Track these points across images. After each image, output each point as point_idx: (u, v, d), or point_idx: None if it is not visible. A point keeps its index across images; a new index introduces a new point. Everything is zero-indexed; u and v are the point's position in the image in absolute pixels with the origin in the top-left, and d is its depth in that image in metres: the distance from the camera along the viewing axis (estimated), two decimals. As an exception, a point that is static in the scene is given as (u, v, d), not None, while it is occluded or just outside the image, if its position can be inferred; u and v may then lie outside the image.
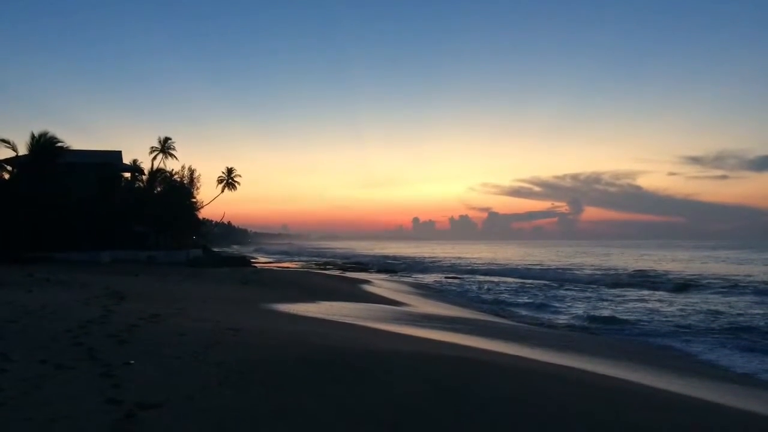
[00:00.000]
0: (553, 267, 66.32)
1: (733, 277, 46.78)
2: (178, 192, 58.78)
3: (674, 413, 8.59)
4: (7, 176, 47.75)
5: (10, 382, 7.50)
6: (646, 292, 36.53)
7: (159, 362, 9.09)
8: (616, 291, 37.55)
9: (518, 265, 71.78)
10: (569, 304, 30.09)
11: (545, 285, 42.37)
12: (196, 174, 63.54)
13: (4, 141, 45.81)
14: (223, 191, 68.76)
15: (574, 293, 36.01)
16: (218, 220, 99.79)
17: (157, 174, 58.73)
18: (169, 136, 62.03)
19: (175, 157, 62.57)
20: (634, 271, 57.00)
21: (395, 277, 50.10)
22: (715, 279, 45.70)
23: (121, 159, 56.52)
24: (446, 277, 50.69)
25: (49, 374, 8.03)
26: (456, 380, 8.89)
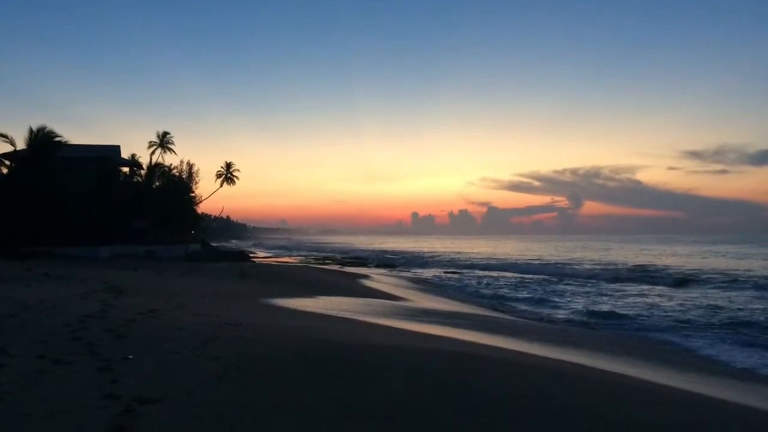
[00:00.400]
0: (553, 262, 66.38)
1: (733, 272, 46.79)
2: (176, 187, 58.71)
3: (674, 408, 8.57)
4: (5, 171, 47.67)
5: (8, 377, 7.48)
6: (645, 287, 36.56)
7: (158, 357, 9.07)
8: (616, 286, 37.56)
9: (517, 259, 71.82)
10: (569, 299, 30.10)
11: (544, 280, 42.39)
12: (194, 168, 63.51)
13: (2, 135, 45.74)
14: (221, 186, 68.66)
15: (573, 288, 36.02)
16: (217, 215, 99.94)
17: (155, 168, 58.65)
18: (167, 130, 61.95)
19: (173, 151, 62.58)
20: (634, 266, 57.02)
21: (394, 272, 50.09)
22: (714, 274, 45.72)
23: (119, 153, 56.40)
24: (445, 272, 50.71)
25: (48, 369, 8.00)
26: (455, 375, 8.87)
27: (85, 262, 37.51)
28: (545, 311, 25.28)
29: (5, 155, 46.93)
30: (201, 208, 70.18)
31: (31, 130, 46.22)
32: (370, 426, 6.27)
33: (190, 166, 63.25)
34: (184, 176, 62.05)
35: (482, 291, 34.17)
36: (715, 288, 35.98)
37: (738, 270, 49.83)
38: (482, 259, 75.30)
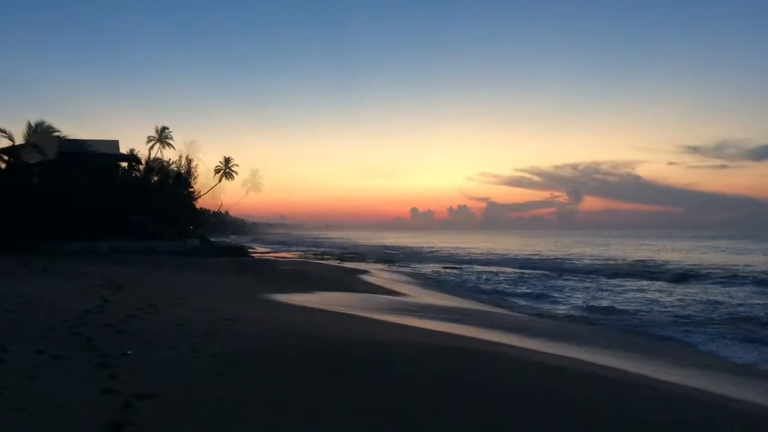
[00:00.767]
0: (552, 257, 66.33)
1: (733, 267, 46.76)
2: (175, 182, 58.69)
3: (674, 404, 8.55)
4: (3, 166, 47.60)
5: (6, 372, 7.45)
6: (645, 283, 36.53)
7: (156, 352, 9.04)
8: (615, 281, 37.53)
9: (517, 255, 71.77)
10: (568, 294, 30.09)
11: (544, 275, 42.35)
12: (193, 164, 63.40)
13: (0, 130, 45.67)
14: (220, 181, 68.60)
15: (573, 283, 36.00)
16: (216, 210, 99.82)
17: (154, 163, 58.63)
18: (166, 125, 61.92)
19: (172, 146, 62.51)
20: (633, 261, 56.99)
21: (393, 267, 50.06)
22: (714, 269, 45.70)
23: (118, 148, 56.29)
24: (444, 267, 50.66)
25: (47, 364, 7.98)
26: (456, 371, 8.85)
27: (84, 257, 37.48)
28: (545, 306, 25.26)
29: (3, 150, 46.87)
30: (200, 203, 70.22)
31: (29, 125, 46.20)
32: (370, 421, 6.24)
33: (189, 161, 63.15)
34: (182, 171, 61.95)
35: (481, 286, 34.15)
36: (714, 283, 35.97)
37: (738, 265, 49.81)
38: (481, 254, 75.25)
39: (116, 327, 11.03)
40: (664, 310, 23.82)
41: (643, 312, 23.14)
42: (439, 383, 7.98)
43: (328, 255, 71.07)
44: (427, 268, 49.54)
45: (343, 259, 60.24)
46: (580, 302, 26.44)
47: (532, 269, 48.41)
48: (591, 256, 69.03)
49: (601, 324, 20.49)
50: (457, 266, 52.43)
